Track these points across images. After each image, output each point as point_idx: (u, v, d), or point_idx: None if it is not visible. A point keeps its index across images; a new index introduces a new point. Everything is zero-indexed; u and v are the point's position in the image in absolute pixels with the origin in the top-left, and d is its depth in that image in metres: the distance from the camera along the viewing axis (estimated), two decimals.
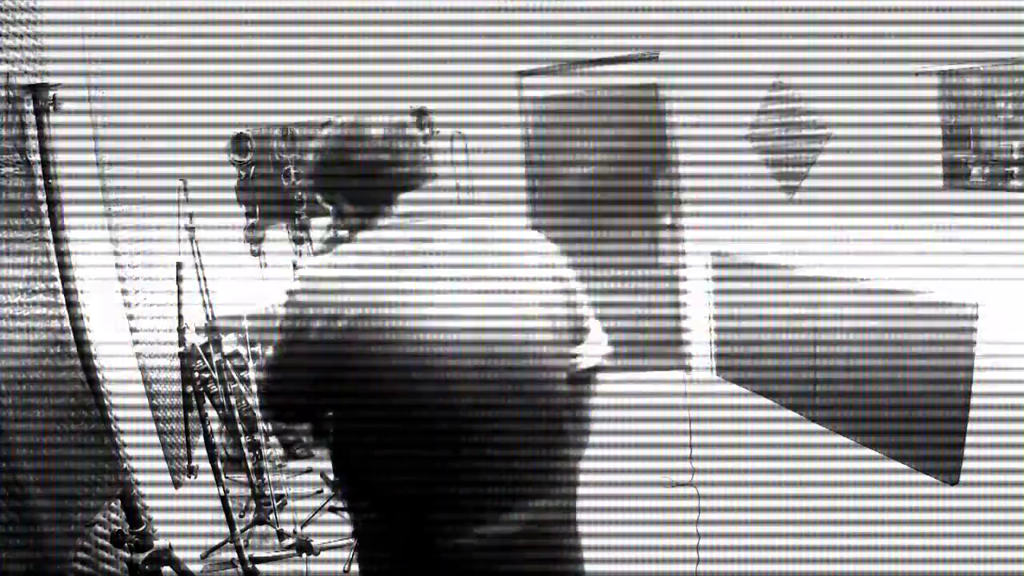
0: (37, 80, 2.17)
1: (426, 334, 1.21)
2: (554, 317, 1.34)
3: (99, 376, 2.32)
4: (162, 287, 3.38)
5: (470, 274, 1.27)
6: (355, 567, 3.02)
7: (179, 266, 2.72)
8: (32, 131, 2.10)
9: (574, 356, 1.39)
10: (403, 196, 1.34)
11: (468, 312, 1.24)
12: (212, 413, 2.93)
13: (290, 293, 1.27)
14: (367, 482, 1.33)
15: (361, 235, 1.33)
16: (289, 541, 2.99)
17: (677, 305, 4.91)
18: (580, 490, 1.58)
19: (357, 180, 1.33)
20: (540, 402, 1.31)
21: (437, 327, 1.21)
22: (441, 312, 1.22)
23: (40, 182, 2.11)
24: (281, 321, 1.27)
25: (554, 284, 1.37)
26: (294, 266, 3.62)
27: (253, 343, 3.53)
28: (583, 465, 1.53)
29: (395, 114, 1.39)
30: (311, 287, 1.26)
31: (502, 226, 1.42)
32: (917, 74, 3.30)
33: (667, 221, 4.81)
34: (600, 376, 1.46)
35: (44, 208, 2.14)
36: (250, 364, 3.33)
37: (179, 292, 2.69)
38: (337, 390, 1.25)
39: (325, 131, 1.37)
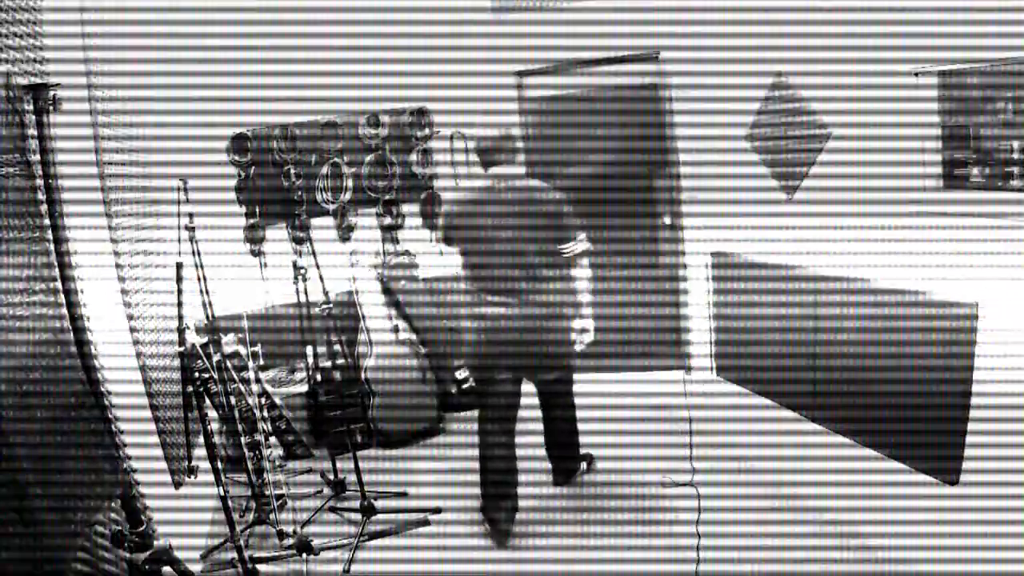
0: (37, 80, 2.18)
1: (481, 219, 3.12)
2: (542, 225, 3.07)
3: (99, 376, 2.32)
4: (162, 287, 3.38)
5: (506, 197, 3.13)
6: (355, 567, 3.03)
7: (179, 266, 2.72)
8: (32, 131, 2.10)
9: (562, 245, 3.09)
10: (498, 160, 3.17)
11: (500, 212, 3.08)
12: (212, 413, 2.93)
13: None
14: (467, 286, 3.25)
15: (476, 181, 3.28)
16: (289, 541, 2.99)
17: (677, 305, 4.92)
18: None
19: (480, 156, 3.22)
20: (526, 250, 3.08)
21: (486, 217, 3.11)
22: (488, 217, 3.10)
23: (40, 182, 2.11)
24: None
25: (547, 208, 3.10)
26: (294, 266, 3.62)
27: (253, 343, 3.53)
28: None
29: (505, 127, 3.25)
30: (451, 197, 3.91)
31: (525, 175, 3.67)
32: (917, 74, 3.29)
33: (667, 221, 4.81)
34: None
35: (44, 208, 2.14)
36: (250, 364, 3.33)
37: (179, 292, 2.69)
38: (454, 236, 3.24)
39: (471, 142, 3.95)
